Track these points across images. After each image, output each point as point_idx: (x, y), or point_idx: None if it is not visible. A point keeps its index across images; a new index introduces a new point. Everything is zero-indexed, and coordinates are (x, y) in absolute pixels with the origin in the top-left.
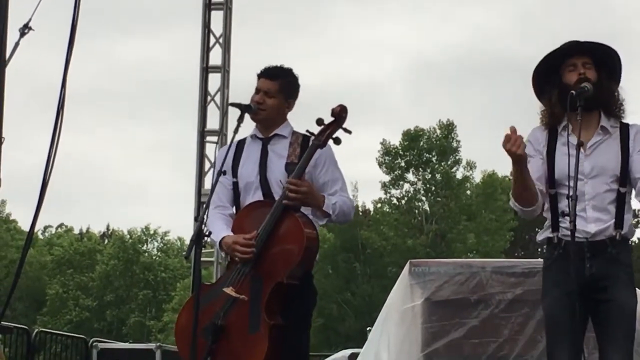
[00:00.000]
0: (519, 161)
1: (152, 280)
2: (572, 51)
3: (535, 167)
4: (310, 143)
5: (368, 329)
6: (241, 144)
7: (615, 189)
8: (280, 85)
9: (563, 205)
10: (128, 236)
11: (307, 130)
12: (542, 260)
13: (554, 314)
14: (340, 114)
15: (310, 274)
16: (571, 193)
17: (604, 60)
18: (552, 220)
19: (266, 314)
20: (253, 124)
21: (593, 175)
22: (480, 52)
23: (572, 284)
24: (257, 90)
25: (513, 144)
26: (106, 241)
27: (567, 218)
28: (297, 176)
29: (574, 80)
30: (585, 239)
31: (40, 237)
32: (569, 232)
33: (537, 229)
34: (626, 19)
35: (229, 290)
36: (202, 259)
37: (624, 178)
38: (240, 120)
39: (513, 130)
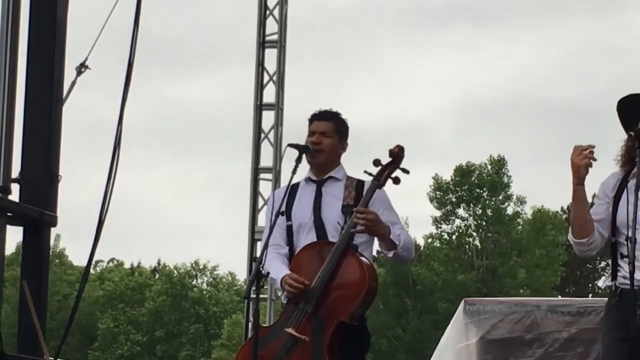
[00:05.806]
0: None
1: (204, 314)
2: None
3: (599, 210)
4: (370, 183)
5: None
6: (295, 187)
7: None
8: (335, 125)
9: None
10: (175, 272)
11: (365, 171)
12: (596, 299)
13: (610, 357)
14: (398, 154)
15: (364, 317)
16: (630, 235)
17: None
18: (612, 269)
19: (328, 355)
20: (307, 166)
21: None
22: (529, 91)
23: (626, 331)
24: (312, 133)
25: (581, 155)
26: (157, 276)
27: (626, 260)
28: (363, 206)
29: None
30: (638, 286)
31: (92, 271)
32: (624, 280)
33: (588, 265)
34: None
35: (290, 330)
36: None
37: None
38: (299, 160)
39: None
